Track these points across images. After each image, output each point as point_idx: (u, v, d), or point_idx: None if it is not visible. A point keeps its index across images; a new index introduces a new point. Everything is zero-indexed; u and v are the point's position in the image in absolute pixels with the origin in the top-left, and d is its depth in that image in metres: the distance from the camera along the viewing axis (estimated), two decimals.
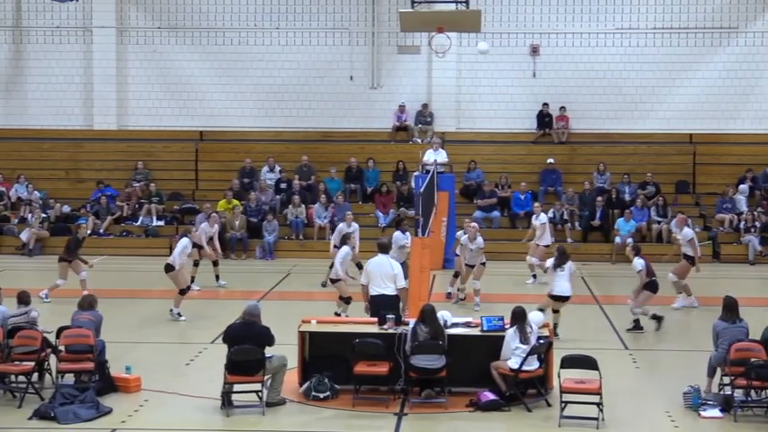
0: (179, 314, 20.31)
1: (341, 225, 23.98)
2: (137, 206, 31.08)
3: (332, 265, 20.18)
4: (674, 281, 21.40)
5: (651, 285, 19.17)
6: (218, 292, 23.81)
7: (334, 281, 19.63)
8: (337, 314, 18.94)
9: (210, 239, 24.20)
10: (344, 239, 20.20)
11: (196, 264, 23.87)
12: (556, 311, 18.77)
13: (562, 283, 18.71)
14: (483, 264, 21.63)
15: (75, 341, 14.98)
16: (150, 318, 20.64)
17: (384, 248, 16.85)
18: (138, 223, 30.69)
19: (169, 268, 20.47)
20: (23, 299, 16.09)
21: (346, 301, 19.41)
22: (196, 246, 23.14)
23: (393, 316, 15.29)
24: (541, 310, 17.99)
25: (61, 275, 22.33)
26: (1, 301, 15.89)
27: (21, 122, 33.69)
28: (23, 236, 29.51)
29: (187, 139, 33.28)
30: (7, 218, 30.69)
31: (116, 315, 19.69)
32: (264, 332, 14.53)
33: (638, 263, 19.16)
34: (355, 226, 23.75)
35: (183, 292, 20.44)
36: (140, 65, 33.72)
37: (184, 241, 20.89)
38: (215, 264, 24.24)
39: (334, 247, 22.32)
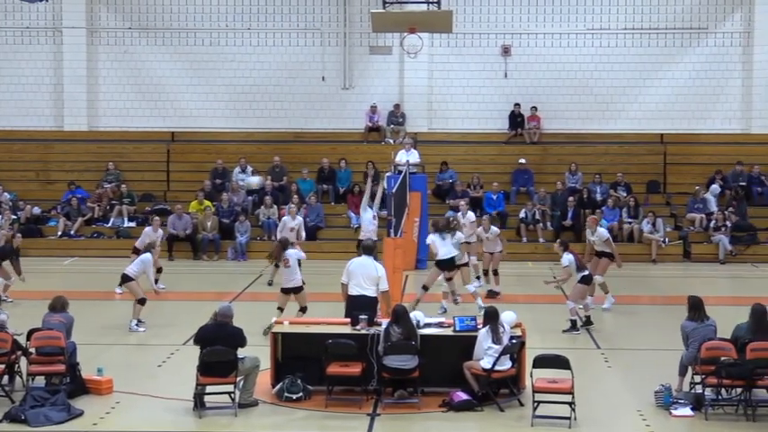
0: (138, 324, 19.67)
1: (286, 218, 24.52)
2: (108, 207, 30.95)
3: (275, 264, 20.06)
4: (600, 282, 21.30)
5: (585, 279, 19.23)
6: (189, 294, 23.66)
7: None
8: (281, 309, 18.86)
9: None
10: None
11: (159, 270, 23.48)
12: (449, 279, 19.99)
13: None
14: (500, 252, 22.53)
15: (45, 343, 14.90)
16: (122, 319, 20.49)
17: (369, 250, 16.76)
18: (110, 224, 30.55)
19: (127, 278, 19.72)
20: None
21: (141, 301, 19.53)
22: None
23: (366, 316, 15.28)
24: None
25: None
26: None
27: None
28: None
29: (158, 140, 33.17)
30: None
31: (87, 317, 19.58)
32: (237, 333, 14.49)
33: (566, 258, 19.24)
34: (299, 219, 24.46)
35: (142, 301, 19.99)
36: (111, 65, 33.61)
37: (148, 257, 20.21)
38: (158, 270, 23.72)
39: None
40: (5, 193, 31.24)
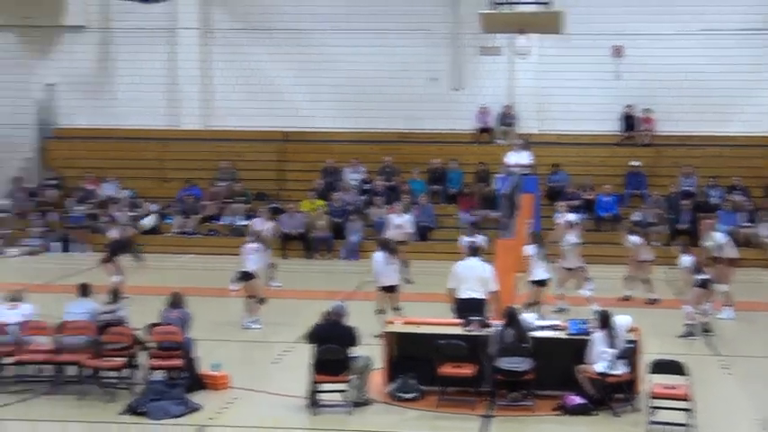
0: (254, 322, 20.02)
1: (391, 215, 25.04)
2: (223, 205, 31.43)
3: None
4: (724, 290, 20.77)
5: (703, 283, 19.00)
6: (302, 292, 23.89)
7: None
8: None
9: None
10: None
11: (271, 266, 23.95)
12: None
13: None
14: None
15: (164, 338, 15.23)
16: (236, 316, 20.78)
17: (475, 251, 16.76)
18: (224, 222, 31.01)
19: (248, 276, 20.17)
20: (114, 296, 16.36)
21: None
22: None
23: (478, 318, 15.29)
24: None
25: (111, 274, 22.24)
26: (91, 296, 16.21)
27: (110, 122, 34.21)
28: (112, 234, 29.89)
29: (272, 139, 33.53)
30: (96, 216, 31.19)
31: (202, 313, 19.90)
32: (349, 332, 14.63)
33: (686, 260, 18.99)
34: (406, 217, 24.97)
35: (261, 301, 20.23)
36: (224, 65, 34.07)
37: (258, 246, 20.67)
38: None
39: None
40: (124, 191, 31.95)
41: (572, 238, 21.14)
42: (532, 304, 19.05)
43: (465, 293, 16.25)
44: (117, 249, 22.68)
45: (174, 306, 15.88)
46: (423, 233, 29.51)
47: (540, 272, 19.60)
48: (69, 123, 34.45)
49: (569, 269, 21.16)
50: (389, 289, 18.52)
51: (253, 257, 20.26)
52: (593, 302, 20.62)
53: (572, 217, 23.80)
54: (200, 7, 33.83)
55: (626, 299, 22.39)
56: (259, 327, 19.75)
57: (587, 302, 20.64)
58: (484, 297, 16.24)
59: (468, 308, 15.92)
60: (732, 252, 21.21)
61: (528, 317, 15.40)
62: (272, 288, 22.65)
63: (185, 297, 16.21)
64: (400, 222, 24.50)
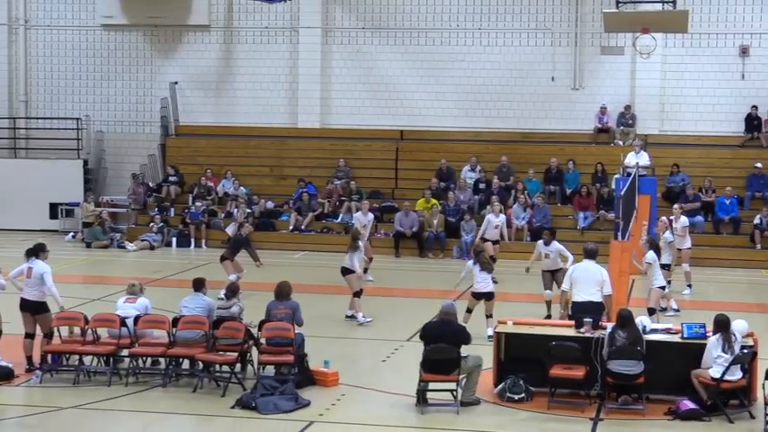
0: (364, 316, 20.18)
1: (490, 215, 24.85)
2: (337, 203, 31.66)
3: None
4: None
5: None
6: (415, 291, 23.90)
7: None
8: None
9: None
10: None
11: (370, 260, 24.15)
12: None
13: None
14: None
15: (275, 334, 15.37)
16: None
17: (592, 254, 16.58)
18: (339, 220, 31.23)
19: (347, 271, 20.28)
20: (231, 291, 16.57)
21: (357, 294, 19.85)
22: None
23: (591, 320, 15.12)
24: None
25: (229, 272, 22.46)
26: (206, 291, 16.46)
27: (229, 120, 34.80)
28: (229, 230, 30.39)
29: (388, 138, 33.65)
30: (214, 212, 31.73)
31: (315, 309, 20.13)
32: (460, 331, 14.60)
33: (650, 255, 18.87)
34: (503, 217, 24.16)
35: (357, 294, 20.34)
36: (344, 64, 34.31)
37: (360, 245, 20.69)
38: (369, 259, 24.29)
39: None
40: (241, 188, 32.44)
41: (669, 236, 20.95)
42: (655, 310, 18.73)
43: (579, 297, 16.08)
44: (236, 247, 22.96)
45: (282, 297, 15.91)
46: (538, 234, 29.23)
47: (661, 278, 19.24)
48: (191, 121, 35.12)
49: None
50: (485, 296, 18.36)
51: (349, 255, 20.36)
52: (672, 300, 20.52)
53: (684, 220, 23.56)
54: (322, 6, 34.11)
55: None
56: (370, 320, 19.92)
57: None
58: (600, 300, 16.04)
59: (584, 311, 15.73)
60: None
61: (642, 319, 15.14)
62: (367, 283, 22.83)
63: (292, 287, 16.18)
64: (497, 222, 24.52)
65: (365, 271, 24.06)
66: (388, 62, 33.96)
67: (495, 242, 24.65)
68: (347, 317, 20.23)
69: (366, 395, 15.08)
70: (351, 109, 34.20)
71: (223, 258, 22.73)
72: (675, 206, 24.68)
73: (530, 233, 29.39)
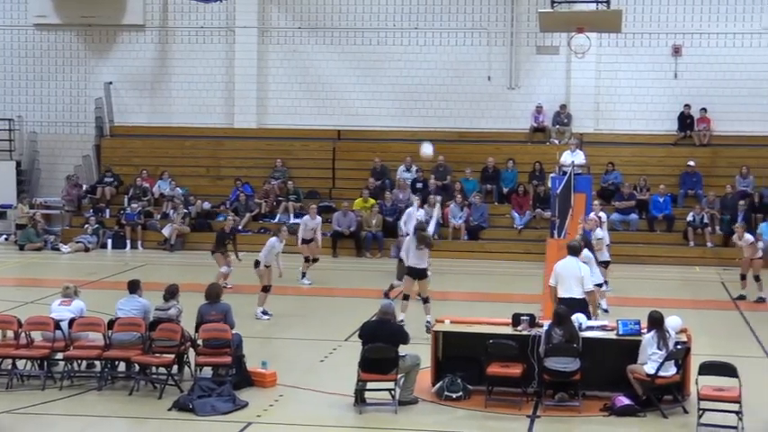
0: (264, 313, 20.23)
1: (410, 209, 24.27)
2: (274, 204, 31.57)
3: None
4: None
5: None
6: (352, 290, 23.88)
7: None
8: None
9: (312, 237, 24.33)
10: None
11: (307, 260, 24.11)
12: None
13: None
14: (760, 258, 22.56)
15: (212, 335, 15.27)
16: (285, 314, 20.90)
17: (574, 250, 16.66)
18: (276, 220, 31.13)
19: (256, 264, 20.44)
20: (169, 293, 16.40)
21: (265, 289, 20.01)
22: (305, 241, 23.74)
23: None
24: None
25: (221, 264, 22.64)
26: (142, 293, 16.31)
27: (165, 120, 34.54)
28: (165, 231, 30.27)
29: (325, 137, 33.62)
30: (150, 213, 31.48)
31: (252, 310, 20.05)
32: (398, 331, 14.62)
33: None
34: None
35: (265, 289, 20.39)
36: (280, 64, 34.21)
37: (272, 241, 20.76)
38: (314, 260, 24.32)
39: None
40: (178, 189, 32.22)
41: (600, 233, 21.12)
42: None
43: (564, 293, 16.17)
44: (220, 241, 22.95)
45: (212, 299, 15.81)
46: (475, 232, 29.47)
47: (598, 275, 19.42)
48: (126, 121, 34.83)
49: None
50: (419, 274, 18.35)
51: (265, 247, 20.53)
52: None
53: (602, 214, 23.63)
54: (258, 6, 33.98)
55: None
56: (268, 318, 20.05)
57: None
58: (582, 296, 16.05)
59: (567, 306, 15.75)
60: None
61: (579, 317, 15.25)
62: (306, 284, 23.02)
63: (223, 289, 16.09)
64: (419, 216, 24.17)
65: (303, 275, 24.05)
66: (325, 62, 33.92)
67: None
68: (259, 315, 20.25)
69: (304, 395, 15.03)
70: (288, 109, 34.12)
71: (213, 252, 22.96)
72: (596, 202, 24.84)
73: (467, 232, 29.53)
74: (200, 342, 15.41)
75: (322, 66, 33.96)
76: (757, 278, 22.73)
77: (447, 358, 15.31)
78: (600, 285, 19.35)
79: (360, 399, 14.33)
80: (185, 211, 30.96)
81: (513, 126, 32.99)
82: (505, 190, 31.22)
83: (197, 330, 15.44)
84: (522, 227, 29.87)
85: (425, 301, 18.68)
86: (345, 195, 31.12)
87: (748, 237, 22.93)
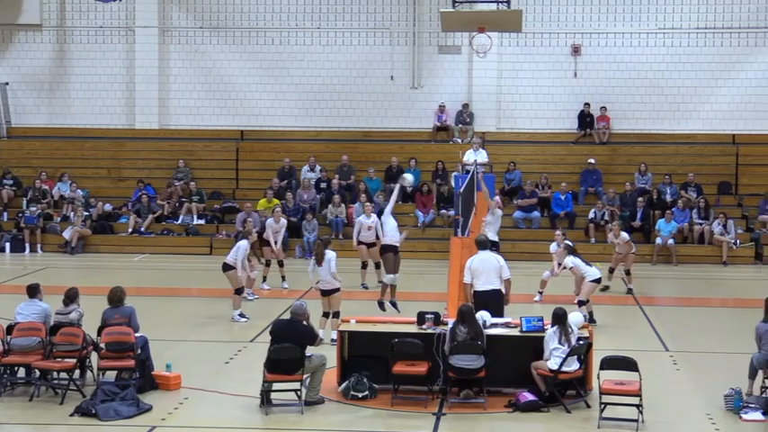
0: (241, 315, 20.16)
1: (361, 217, 24.31)
2: (177, 205, 31.27)
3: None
4: None
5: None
6: (257, 291, 23.75)
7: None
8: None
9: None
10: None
11: (268, 263, 23.95)
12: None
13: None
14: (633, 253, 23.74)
15: (115, 338, 15.06)
16: (190, 316, 20.73)
17: (485, 244, 16.99)
18: (179, 222, 30.86)
19: (228, 267, 20.27)
20: (69, 297, 16.13)
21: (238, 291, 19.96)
22: (266, 244, 23.44)
23: (432, 316, 15.30)
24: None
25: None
26: (42, 297, 16.01)
27: (64, 121, 34.05)
28: (66, 234, 29.78)
29: (228, 138, 33.43)
30: (50, 216, 30.95)
31: (157, 313, 19.87)
32: (306, 331, 14.56)
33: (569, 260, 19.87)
34: (374, 217, 24.03)
35: (238, 291, 20.38)
36: (182, 64, 33.93)
37: (244, 244, 20.63)
38: (280, 264, 24.16)
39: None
40: (78, 190, 31.72)
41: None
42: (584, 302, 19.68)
43: (483, 286, 16.40)
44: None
45: (114, 303, 15.59)
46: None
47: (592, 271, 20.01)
48: (24, 122, 34.25)
49: None
50: (328, 293, 18.20)
51: (233, 249, 20.48)
52: None
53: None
54: (159, 6, 33.64)
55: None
56: (246, 320, 20.00)
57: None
58: (500, 287, 16.44)
59: (487, 298, 16.16)
60: None
61: (483, 314, 15.36)
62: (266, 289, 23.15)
63: (125, 292, 15.86)
64: (370, 224, 24.00)
65: (283, 278, 23.89)
66: (228, 62, 33.73)
67: (370, 245, 23.63)
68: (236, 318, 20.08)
69: (209, 398, 14.91)
70: (190, 109, 33.86)
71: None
72: (558, 232, 24.93)
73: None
74: (102, 346, 15.19)
75: (224, 66, 33.75)
76: (628, 272, 23.47)
77: (353, 358, 15.31)
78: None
79: (265, 400, 14.27)
80: (86, 213, 30.49)
81: (416, 125, 33.19)
82: (409, 189, 31.30)
83: (99, 334, 15.22)
84: (427, 225, 30.01)
85: (335, 316, 18.30)
86: (249, 196, 30.92)
87: (624, 235, 23.65)
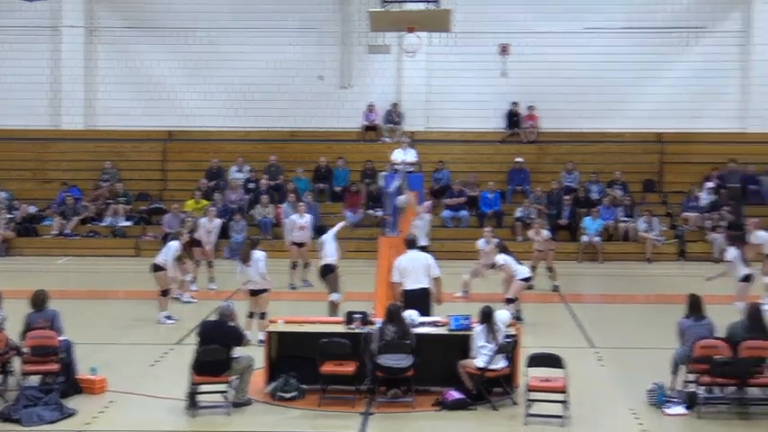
0: (168, 317, 20.00)
1: (294, 216, 24.32)
2: (104, 206, 30.94)
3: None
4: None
5: (747, 277, 19.73)
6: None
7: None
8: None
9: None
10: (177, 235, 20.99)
11: (198, 264, 23.75)
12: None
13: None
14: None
15: (39, 342, 14.85)
16: (116, 318, 20.52)
17: (413, 243, 17.07)
18: (105, 224, 30.54)
19: (158, 268, 20.10)
20: None
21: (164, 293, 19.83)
22: (196, 244, 23.14)
23: (360, 315, 15.30)
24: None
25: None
26: None
27: None
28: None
29: (156, 138, 33.16)
30: None
31: (82, 316, 19.65)
32: (233, 332, 14.48)
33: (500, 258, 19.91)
34: (308, 217, 24.07)
35: (165, 293, 20.18)
36: (109, 64, 33.60)
37: (175, 245, 20.46)
38: (210, 265, 23.95)
39: None
40: (1, 192, 31.24)
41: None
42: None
43: (412, 285, 16.47)
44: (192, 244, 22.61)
45: (38, 307, 15.37)
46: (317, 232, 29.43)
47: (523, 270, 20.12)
48: None
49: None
50: (255, 293, 18.08)
51: (163, 250, 20.32)
52: None
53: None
54: (85, 5, 33.27)
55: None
56: (173, 322, 19.85)
57: None
58: (428, 286, 16.57)
59: (416, 297, 16.24)
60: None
61: (411, 313, 15.39)
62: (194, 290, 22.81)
63: (48, 295, 15.64)
64: (303, 224, 23.98)
65: (211, 279, 23.67)
66: (156, 62, 33.46)
67: (300, 245, 23.69)
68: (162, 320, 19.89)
69: (135, 401, 14.77)
70: (117, 110, 33.52)
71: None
72: (487, 229, 24.99)
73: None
74: (26, 350, 14.96)
75: (152, 66, 33.48)
76: (551, 269, 23.70)
77: (281, 358, 15.26)
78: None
79: (192, 402, 14.16)
80: (9, 215, 30.04)
81: (345, 125, 33.20)
82: (338, 189, 31.35)
83: (23, 338, 15.00)
84: (356, 225, 30.01)
85: (261, 317, 18.19)
86: (177, 197, 30.66)
87: (545, 233, 23.94)
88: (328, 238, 19.81)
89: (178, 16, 33.45)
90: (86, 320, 19.51)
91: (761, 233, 21.35)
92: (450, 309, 17.50)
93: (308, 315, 17.58)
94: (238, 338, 14.49)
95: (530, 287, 22.69)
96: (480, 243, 22.60)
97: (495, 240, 21.73)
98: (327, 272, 19.51)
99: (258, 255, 17.90)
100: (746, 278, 19.64)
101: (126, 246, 29.56)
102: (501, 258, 20.03)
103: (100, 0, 33.48)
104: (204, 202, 29.68)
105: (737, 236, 25.59)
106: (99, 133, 33.40)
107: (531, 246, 24.37)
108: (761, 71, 32.43)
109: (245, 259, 17.86)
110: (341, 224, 21.05)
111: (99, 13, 33.60)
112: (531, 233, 24.61)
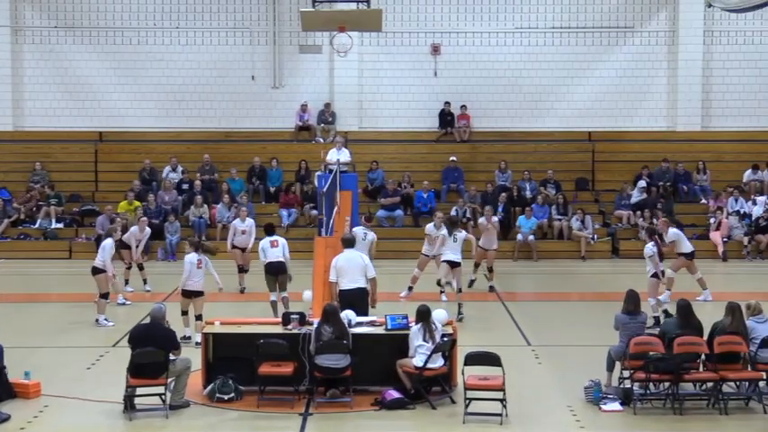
0: (106, 319, 19.81)
1: (236, 221, 24.18)
2: (35, 208, 30.54)
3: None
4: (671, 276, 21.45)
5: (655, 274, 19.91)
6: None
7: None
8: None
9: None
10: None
11: (129, 267, 23.49)
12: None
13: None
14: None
15: None
16: (49, 322, 20.26)
17: (350, 243, 17.08)
18: (37, 226, 30.15)
19: (97, 270, 19.93)
20: None
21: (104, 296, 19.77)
22: (125, 247, 22.91)
23: (297, 316, 15.27)
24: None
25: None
26: None
27: None
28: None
29: (86, 139, 32.80)
30: None
31: (14, 319, 19.40)
32: (168, 334, 14.38)
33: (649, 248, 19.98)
34: (250, 221, 24.02)
35: (104, 296, 19.97)
36: (36, 65, 33.16)
37: (110, 242, 20.25)
38: (140, 267, 23.72)
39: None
40: None
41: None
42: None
43: (348, 285, 16.48)
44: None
45: None
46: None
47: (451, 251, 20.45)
48: None
49: None
50: (194, 294, 18.03)
51: (100, 250, 20.15)
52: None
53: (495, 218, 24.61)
54: (11, 4, 32.79)
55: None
56: (112, 324, 19.65)
57: None
58: (365, 286, 16.60)
59: (352, 297, 16.23)
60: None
61: (348, 313, 15.39)
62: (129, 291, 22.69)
63: None
64: (245, 228, 23.78)
65: (144, 281, 23.47)
66: (84, 62, 33.09)
67: (243, 249, 23.53)
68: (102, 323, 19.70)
69: (71, 405, 14.60)
70: (46, 111, 33.11)
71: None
72: (487, 207, 25.08)
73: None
74: None
75: (81, 66, 33.11)
76: (491, 270, 23.71)
77: (218, 360, 15.19)
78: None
79: (129, 405, 14.05)
80: None
81: (278, 125, 33.12)
82: (272, 189, 31.26)
83: None
84: (291, 225, 29.95)
85: (197, 318, 18.07)
86: (109, 198, 30.40)
87: (495, 219, 24.25)
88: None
89: (106, 16, 33.12)
90: (19, 324, 19.27)
91: (672, 231, 21.65)
92: (388, 308, 17.56)
93: (250, 317, 17.52)
94: (173, 341, 14.37)
95: (471, 283, 23.00)
96: (428, 227, 22.61)
97: (495, 219, 23.41)
98: (281, 270, 19.67)
99: (191, 257, 17.86)
100: (656, 275, 19.86)
101: (59, 248, 29.20)
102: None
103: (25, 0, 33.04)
104: (137, 203, 29.44)
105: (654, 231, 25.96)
106: (27, 135, 32.94)
107: (470, 245, 24.44)
108: (688, 70, 32.93)
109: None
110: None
111: (25, 12, 33.15)
112: (482, 220, 24.35)
